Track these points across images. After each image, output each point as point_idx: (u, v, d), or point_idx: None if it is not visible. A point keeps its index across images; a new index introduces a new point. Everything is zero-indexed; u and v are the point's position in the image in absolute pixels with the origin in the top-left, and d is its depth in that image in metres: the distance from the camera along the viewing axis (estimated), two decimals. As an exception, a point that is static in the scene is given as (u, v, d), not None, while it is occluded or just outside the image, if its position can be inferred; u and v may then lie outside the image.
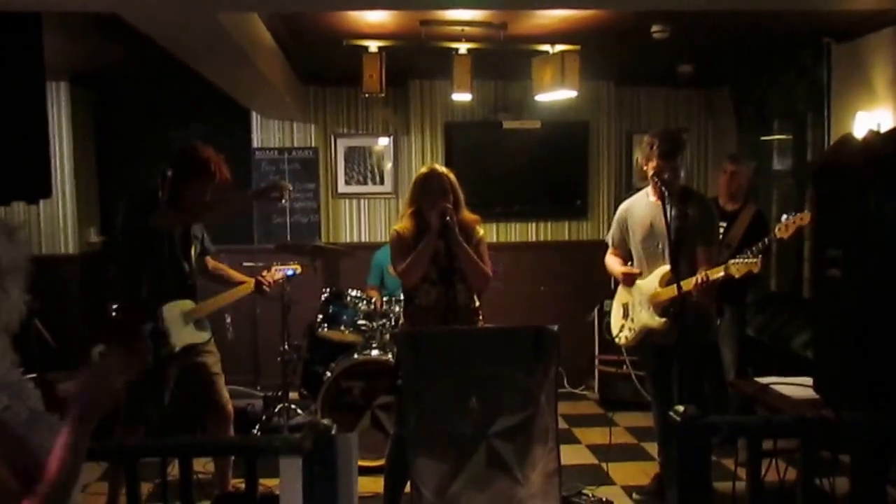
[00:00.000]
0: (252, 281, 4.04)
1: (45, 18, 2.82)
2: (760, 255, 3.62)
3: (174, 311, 3.71)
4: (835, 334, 2.65)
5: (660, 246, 3.85)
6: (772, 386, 3.11)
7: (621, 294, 4.15)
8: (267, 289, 4.10)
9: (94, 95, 6.25)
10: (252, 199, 4.02)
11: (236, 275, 4.13)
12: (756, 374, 3.85)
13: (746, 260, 3.51)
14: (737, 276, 3.53)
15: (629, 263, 4.08)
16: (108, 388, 1.54)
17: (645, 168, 3.90)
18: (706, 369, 3.85)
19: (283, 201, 3.99)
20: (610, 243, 4.24)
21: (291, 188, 3.90)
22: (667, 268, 3.75)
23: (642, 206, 4.00)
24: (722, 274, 3.60)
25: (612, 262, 4.19)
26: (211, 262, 4.00)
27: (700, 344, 3.83)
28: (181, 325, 3.73)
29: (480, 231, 3.69)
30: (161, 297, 3.63)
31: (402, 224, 3.65)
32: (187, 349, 3.75)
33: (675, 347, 3.68)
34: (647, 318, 3.88)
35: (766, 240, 4.05)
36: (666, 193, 3.68)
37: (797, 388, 3.03)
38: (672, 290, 3.62)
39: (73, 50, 4.76)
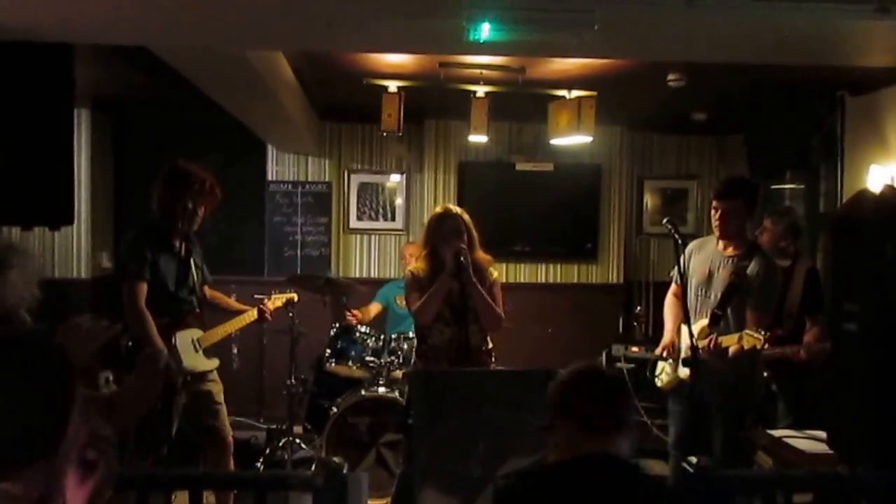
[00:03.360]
0: (254, 309, 4.06)
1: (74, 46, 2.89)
2: (767, 334, 3.43)
3: (186, 338, 3.74)
4: (850, 389, 2.64)
5: (711, 296, 3.69)
6: (785, 439, 3.08)
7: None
8: (269, 317, 4.11)
9: (113, 121, 6.33)
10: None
11: (234, 303, 4.16)
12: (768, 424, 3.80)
13: (755, 335, 3.38)
14: (746, 346, 3.41)
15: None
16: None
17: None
18: (746, 429, 3.71)
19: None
20: (673, 280, 3.98)
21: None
22: (706, 321, 3.66)
23: (708, 250, 3.82)
24: (735, 344, 3.45)
25: (668, 310, 4.01)
26: (208, 291, 4.02)
27: (740, 403, 3.70)
28: (192, 351, 3.75)
29: (494, 273, 3.70)
30: (172, 325, 3.66)
31: (418, 264, 3.66)
32: (197, 376, 3.76)
33: (713, 403, 3.60)
34: (680, 369, 3.75)
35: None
36: (676, 237, 3.60)
37: (810, 441, 3.00)
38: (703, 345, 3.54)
39: (97, 76, 4.83)
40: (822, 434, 2.89)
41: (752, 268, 3.62)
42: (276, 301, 4.23)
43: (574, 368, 2.11)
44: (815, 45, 2.86)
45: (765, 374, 4.04)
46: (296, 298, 4.46)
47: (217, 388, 3.89)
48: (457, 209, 3.70)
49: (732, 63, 3.53)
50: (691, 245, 3.92)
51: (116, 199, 6.42)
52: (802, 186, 5.63)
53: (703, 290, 3.75)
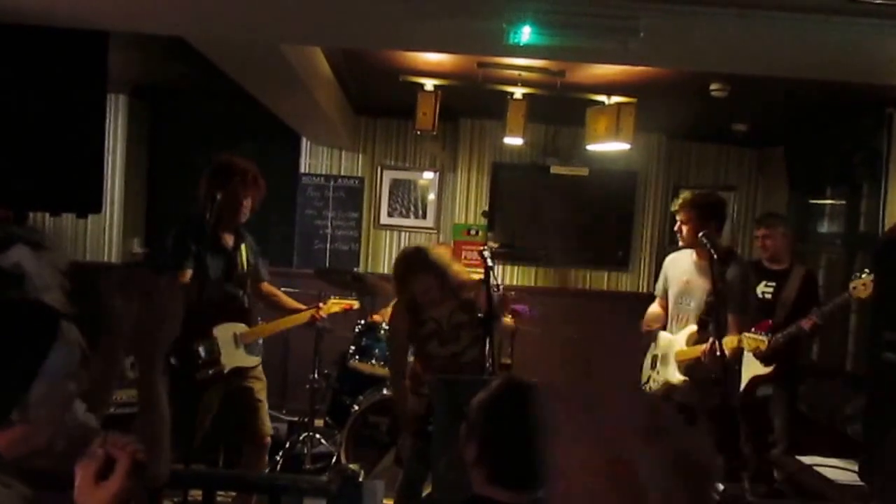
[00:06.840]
0: (310, 312, 4.03)
1: (112, 34, 2.88)
2: (771, 335, 3.65)
3: (227, 332, 3.72)
4: (887, 420, 2.54)
5: (691, 305, 3.87)
6: (814, 467, 2.99)
7: (655, 345, 4.13)
8: (318, 322, 4.08)
9: (150, 109, 6.36)
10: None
11: (290, 302, 4.14)
12: (801, 451, 3.72)
13: (757, 337, 3.55)
14: (747, 349, 3.59)
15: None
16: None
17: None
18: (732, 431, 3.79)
19: None
20: (657, 293, 4.25)
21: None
22: (695, 327, 3.80)
23: (685, 261, 4.01)
24: (736, 345, 3.59)
25: (649, 314, 4.24)
26: (266, 287, 4.01)
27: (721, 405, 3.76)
28: (232, 347, 3.73)
29: (473, 276, 3.67)
30: (212, 319, 3.64)
31: (396, 320, 3.70)
32: (235, 372, 3.74)
33: (697, 406, 3.70)
34: (670, 374, 3.89)
35: (841, 298, 4.03)
36: (712, 251, 3.63)
37: (840, 471, 2.91)
38: (696, 351, 3.68)
39: (136, 64, 4.86)
40: (853, 463, 2.80)
41: (730, 272, 3.77)
42: (332, 307, 4.19)
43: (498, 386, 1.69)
44: (869, 63, 2.76)
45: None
46: (356, 306, 4.42)
47: (259, 386, 3.86)
48: (411, 252, 3.63)
49: (781, 76, 3.43)
50: (667, 260, 4.23)
51: (149, 186, 6.46)
52: (843, 203, 5.49)
53: (683, 299, 3.95)
